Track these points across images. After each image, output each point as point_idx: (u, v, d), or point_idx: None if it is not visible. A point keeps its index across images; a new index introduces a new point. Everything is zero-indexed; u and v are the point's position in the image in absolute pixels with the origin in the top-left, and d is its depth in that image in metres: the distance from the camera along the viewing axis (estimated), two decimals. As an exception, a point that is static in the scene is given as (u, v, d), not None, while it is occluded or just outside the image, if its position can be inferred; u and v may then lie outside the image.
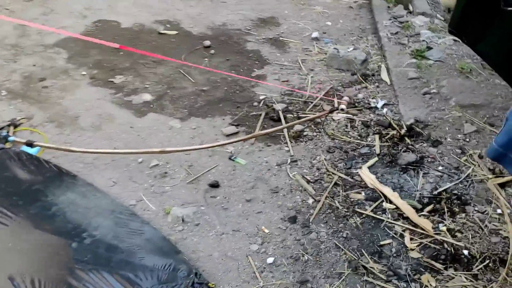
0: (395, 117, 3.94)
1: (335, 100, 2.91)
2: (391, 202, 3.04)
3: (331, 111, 2.95)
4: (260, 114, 3.95)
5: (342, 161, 3.44)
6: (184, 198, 3.09)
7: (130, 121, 3.84)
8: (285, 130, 3.74)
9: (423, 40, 5.17)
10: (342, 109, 2.76)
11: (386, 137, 3.67)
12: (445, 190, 3.14)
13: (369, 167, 3.35)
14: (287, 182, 3.25)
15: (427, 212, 2.98)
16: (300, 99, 4.19)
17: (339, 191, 3.16)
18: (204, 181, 3.24)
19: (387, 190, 3.11)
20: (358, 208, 3.03)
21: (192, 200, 3.08)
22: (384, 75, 4.59)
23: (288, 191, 3.18)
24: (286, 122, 3.84)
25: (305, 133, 3.73)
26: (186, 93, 4.25)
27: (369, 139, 3.67)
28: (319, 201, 3.07)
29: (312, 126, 3.76)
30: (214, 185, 3.18)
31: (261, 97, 4.20)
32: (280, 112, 3.95)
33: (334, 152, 3.53)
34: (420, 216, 2.93)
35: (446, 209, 2.99)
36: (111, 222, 2.81)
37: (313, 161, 3.45)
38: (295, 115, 3.96)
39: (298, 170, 3.36)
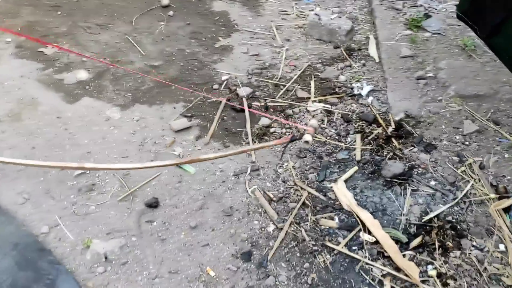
0: (381, 108, 3.28)
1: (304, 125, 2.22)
2: (370, 232, 2.45)
3: (292, 140, 2.25)
4: (220, 102, 3.25)
5: (314, 171, 2.80)
6: (112, 224, 2.45)
7: (58, 109, 3.11)
8: (248, 126, 3.07)
9: (421, 5, 4.41)
10: (306, 142, 2.08)
11: (369, 138, 3.02)
12: (437, 216, 2.55)
13: (346, 180, 2.74)
14: (244, 200, 2.62)
15: (413, 248, 2.40)
16: (270, 80, 3.49)
17: (307, 215, 2.54)
18: (141, 197, 2.60)
19: (367, 216, 2.50)
20: (329, 240, 2.43)
21: (121, 227, 2.44)
22: (372, 51, 3.87)
23: (244, 213, 2.55)
24: (251, 113, 3.16)
25: (272, 130, 3.07)
26: (133, 70, 3.49)
27: (349, 139, 3.03)
28: (281, 229, 2.46)
29: (282, 120, 3.08)
30: (152, 205, 2.54)
31: (224, 78, 3.48)
32: (244, 100, 3.26)
33: (306, 157, 2.88)
34: (404, 256, 2.35)
35: (437, 244, 2.42)
36: (12, 262, 2.20)
37: (279, 169, 2.81)
38: (263, 104, 3.27)
39: (259, 183, 2.72)
